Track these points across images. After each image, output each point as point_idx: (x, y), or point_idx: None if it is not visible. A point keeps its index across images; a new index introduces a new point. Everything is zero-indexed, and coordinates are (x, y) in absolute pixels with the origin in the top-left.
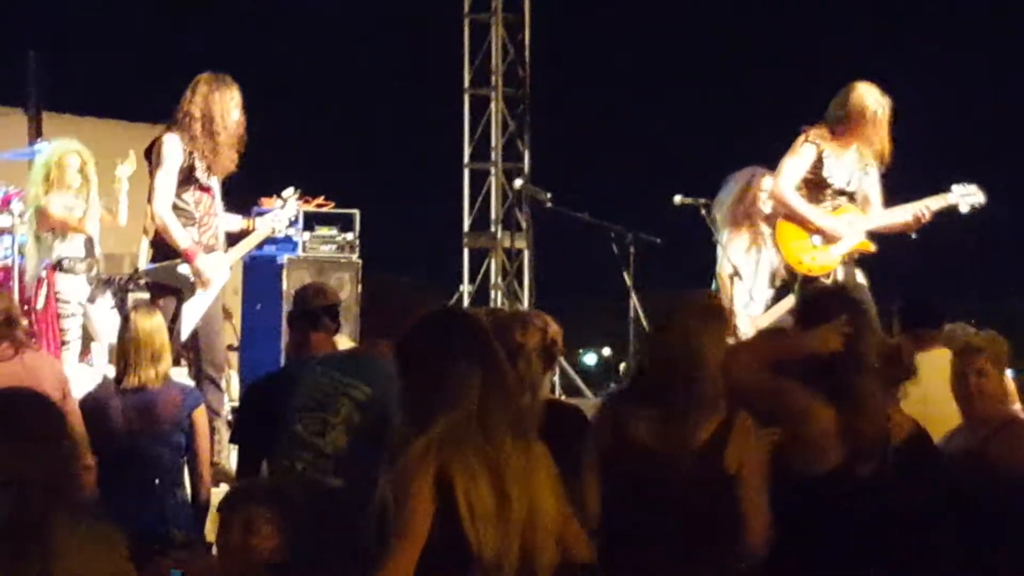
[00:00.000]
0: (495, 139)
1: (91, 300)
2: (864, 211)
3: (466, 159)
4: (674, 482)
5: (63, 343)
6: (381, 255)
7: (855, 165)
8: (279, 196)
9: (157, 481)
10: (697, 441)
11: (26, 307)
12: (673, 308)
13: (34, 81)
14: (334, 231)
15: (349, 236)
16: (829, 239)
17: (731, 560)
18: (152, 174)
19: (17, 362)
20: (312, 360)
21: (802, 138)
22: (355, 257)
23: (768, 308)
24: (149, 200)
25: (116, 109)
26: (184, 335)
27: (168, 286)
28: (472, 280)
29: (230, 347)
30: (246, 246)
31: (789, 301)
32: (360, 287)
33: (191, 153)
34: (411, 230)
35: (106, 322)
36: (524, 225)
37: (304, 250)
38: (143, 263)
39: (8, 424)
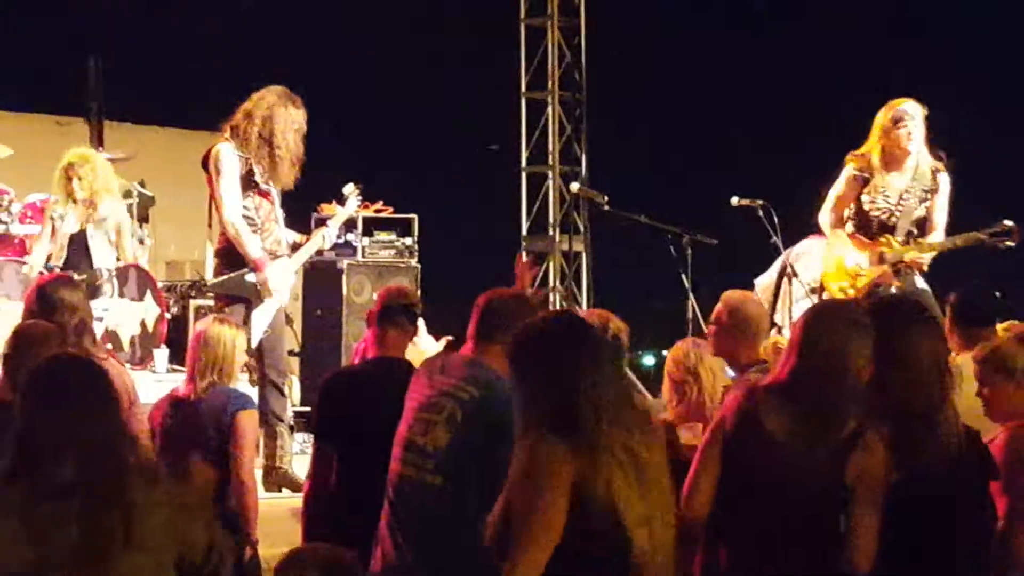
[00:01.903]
0: (552, 143)
1: None
2: (925, 234)
3: (523, 163)
4: (794, 480)
5: None
6: (439, 259)
7: (906, 186)
8: (338, 201)
9: None
10: (827, 446)
11: None
12: (827, 314)
13: (95, 90)
14: (393, 236)
15: (408, 241)
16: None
17: (829, 572)
18: (212, 184)
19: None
20: (404, 361)
21: (847, 167)
22: (414, 262)
23: None
24: (216, 209)
25: (176, 117)
26: (253, 343)
27: (237, 296)
28: (531, 283)
29: (291, 352)
30: (305, 253)
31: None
32: (420, 291)
33: (247, 159)
34: (469, 234)
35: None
36: (582, 228)
37: (363, 255)
38: (209, 273)
39: (57, 390)
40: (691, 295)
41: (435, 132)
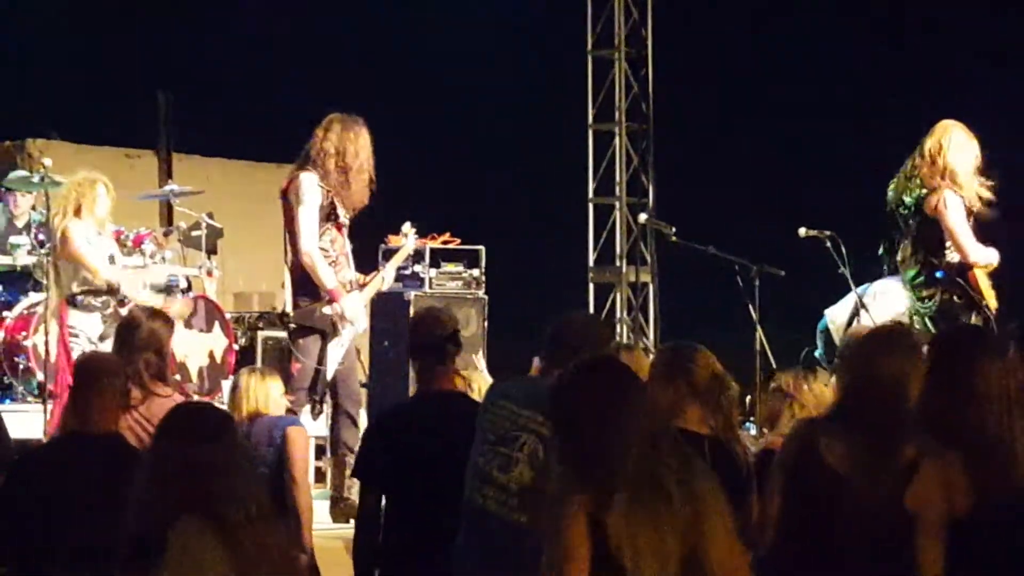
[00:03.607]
0: (619, 174)
1: (102, 338)
2: None
3: (591, 194)
4: (859, 511)
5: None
6: (506, 290)
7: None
8: (402, 234)
9: None
10: (889, 473)
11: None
12: (882, 341)
13: (164, 123)
14: (460, 267)
15: (475, 272)
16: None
17: None
18: (292, 214)
19: (144, 408)
20: (454, 394)
21: (948, 192)
22: (481, 293)
23: None
24: (292, 240)
25: (243, 150)
26: (330, 375)
27: (314, 327)
28: (598, 314)
29: (363, 384)
30: (373, 288)
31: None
32: (486, 323)
33: (328, 191)
34: (536, 265)
35: None
36: (649, 259)
37: (431, 286)
38: (289, 304)
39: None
40: (758, 327)
41: (503, 163)
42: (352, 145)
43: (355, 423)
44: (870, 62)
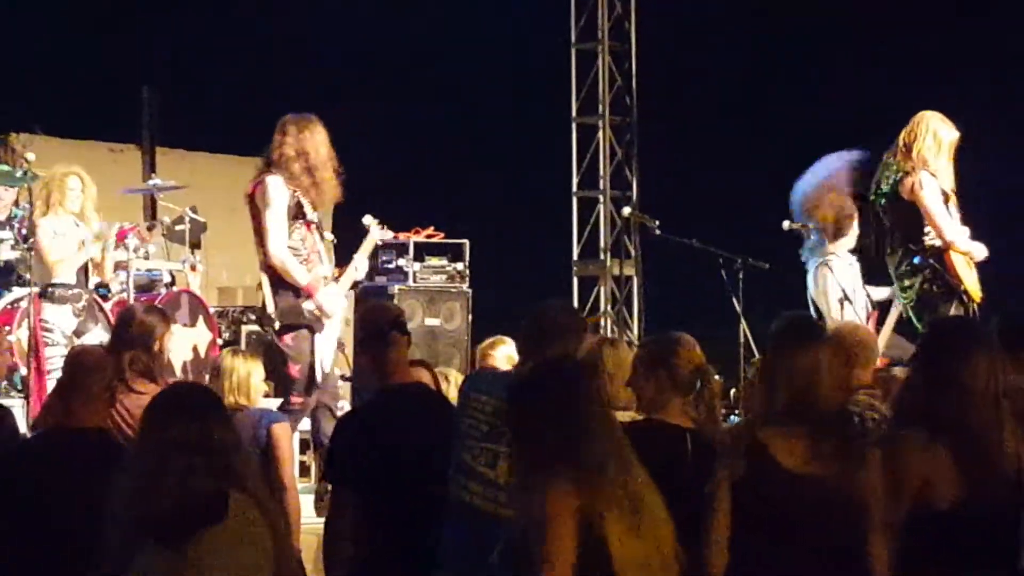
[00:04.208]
0: (603, 167)
1: (78, 333)
2: None
3: (574, 187)
4: (814, 505)
5: (46, 372)
6: (491, 284)
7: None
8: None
9: None
10: (837, 466)
11: (7, 329)
12: (792, 330)
13: (148, 117)
14: (444, 261)
15: (459, 266)
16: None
17: None
18: (260, 217)
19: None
20: (414, 385)
21: (925, 174)
22: (465, 287)
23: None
24: (261, 242)
25: (228, 144)
26: (327, 367)
27: (300, 324)
28: (582, 308)
29: (343, 377)
30: (348, 279)
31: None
32: (471, 316)
33: (294, 192)
34: (520, 259)
35: None
36: (633, 252)
37: (415, 280)
38: (270, 305)
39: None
40: (743, 319)
41: (486, 157)
42: (311, 144)
43: (335, 416)
44: (854, 56)
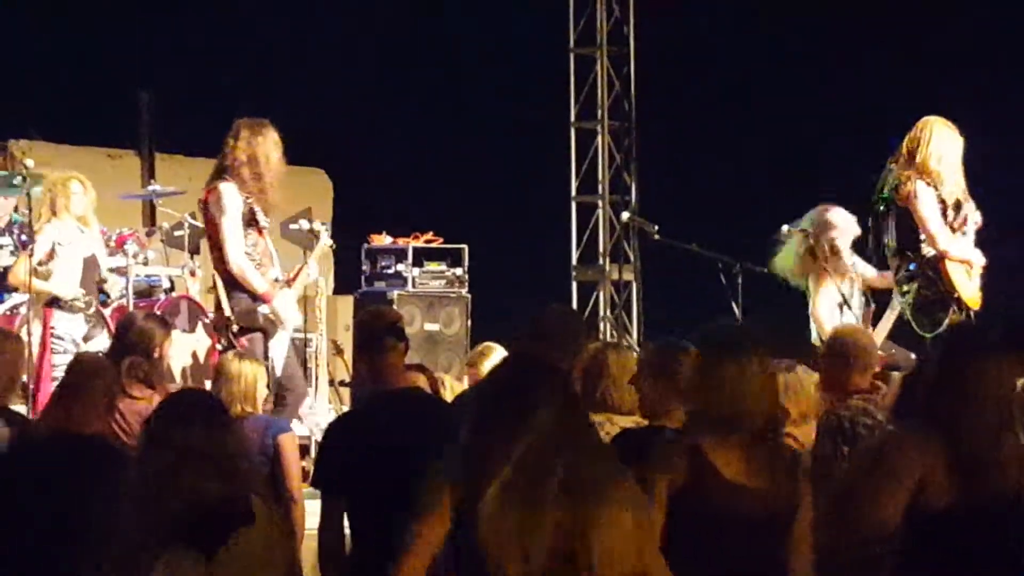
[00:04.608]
0: (602, 172)
1: (86, 339)
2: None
3: (573, 192)
4: (747, 517)
5: (53, 379)
6: (490, 289)
7: (949, 200)
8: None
9: None
10: (771, 474)
11: None
12: (717, 341)
13: (146, 123)
14: (443, 266)
15: (458, 271)
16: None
17: None
18: (215, 224)
19: (145, 403)
20: (409, 390)
21: (920, 183)
22: (464, 292)
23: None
24: (214, 247)
25: None
26: (279, 371)
27: (253, 327)
28: (581, 313)
29: (342, 383)
30: (301, 283)
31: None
32: (470, 321)
33: (247, 198)
34: (519, 264)
35: None
36: (632, 257)
37: (414, 285)
38: (226, 307)
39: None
40: (740, 322)
41: (485, 162)
42: (262, 149)
43: (299, 419)
44: (855, 61)
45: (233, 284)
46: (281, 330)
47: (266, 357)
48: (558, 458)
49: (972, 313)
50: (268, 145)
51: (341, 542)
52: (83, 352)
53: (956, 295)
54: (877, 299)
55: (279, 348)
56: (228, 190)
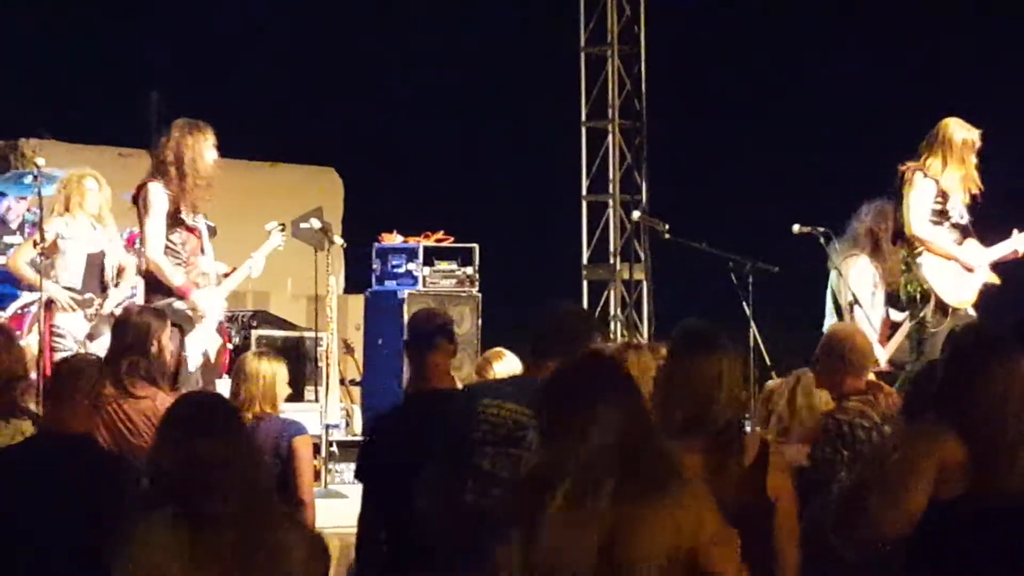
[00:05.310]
0: (612, 171)
1: (91, 337)
2: None
3: (584, 191)
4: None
5: None
6: (500, 288)
7: (962, 199)
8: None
9: None
10: (739, 472)
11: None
12: (689, 340)
13: (156, 121)
14: (454, 265)
15: (469, 270)
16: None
17: None
18: (141, 221)
19: (149, 402)
20: (481, 387)
21: (918, 174)
22: (475, 291)
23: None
24: (141, 244)
25: (236, 148)
26: (192, 366)
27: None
28: (591, 312)
29: (352, 381)
30: (232, 283)
31: (901, 333)
32: (480, 320)
33: (174, 197)
34: (530, 263)
35: None
36: (642, 256)
37: (424, 285)
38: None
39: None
40: (752, 323)
41: (496, 161)
42: (190, 151)
43: None
44: (867, 61)
45: (152, 283)
46: (200, 326)
47: (180, 351)
48: (616, 465)
49: (952, 310)
50: (199, 147)
51: (377, 531)
52: (73, 354)
53: (926, 287)
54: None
55: (196, 343)
56: (154, 189)
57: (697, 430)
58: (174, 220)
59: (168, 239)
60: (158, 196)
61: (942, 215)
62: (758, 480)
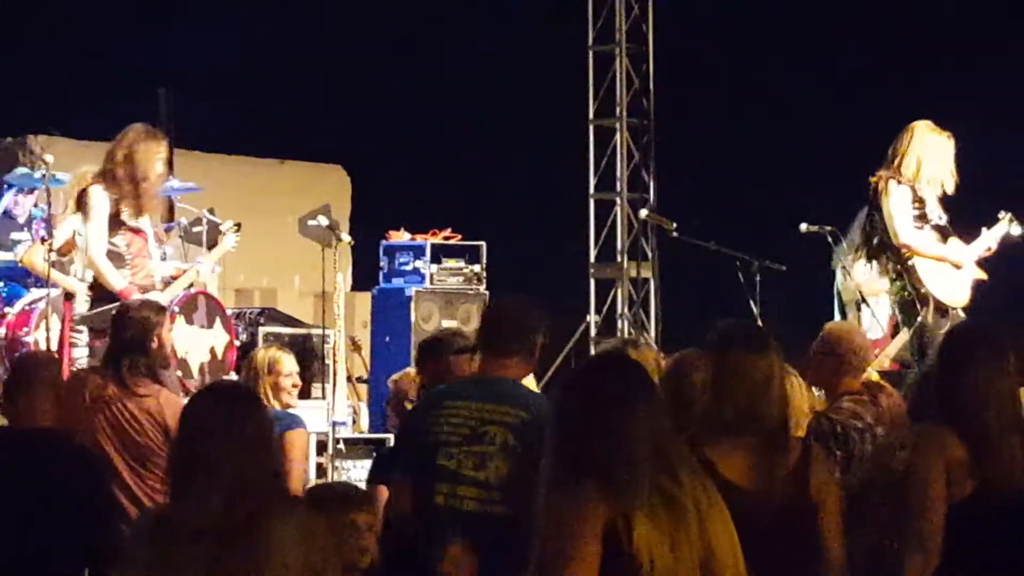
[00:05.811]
0: (620, 169)
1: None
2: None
3: (591, 189)
4: (764, 516)
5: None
6: (508, 286)
7: (937, 200)
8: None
9: None
10: (784, 472)
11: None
12: (741, 340)
13: (165, 119)
14: (461, 263)
15: (476, 268)
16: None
17: None
18: (84, 223)
19: (153, 400)
20: (442, 389)
21: (892, 182)
22: (482, 288)
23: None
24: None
25: (244, 146)
26: None
27: (106, 329)
28: (599, 310)
29: (359, 379)
30: (178, 286)
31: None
32: None
33: (116, 200)
34: (537, 261)
35: None
36: (650, 254)
37: (432, 282)
38: (81, 306)
39: (232, 425)
40: (759, 321)
41: (503, 159)
42: (139, 155)
43: None
44: (875, 61)
45: (96, 285)
46: None
47: None
48: (676, 481)
49: (950, 311)
50: (148, 154)
51: (401, 520)
52: (28, 351)
53: (924, 291)
54: None
55: None
56: (95, 191)
57: (748, 428)
58: (116, 223)
59: (111, 241)
60: (98, 198)
61: (922, 219)
62: (801, 480)
